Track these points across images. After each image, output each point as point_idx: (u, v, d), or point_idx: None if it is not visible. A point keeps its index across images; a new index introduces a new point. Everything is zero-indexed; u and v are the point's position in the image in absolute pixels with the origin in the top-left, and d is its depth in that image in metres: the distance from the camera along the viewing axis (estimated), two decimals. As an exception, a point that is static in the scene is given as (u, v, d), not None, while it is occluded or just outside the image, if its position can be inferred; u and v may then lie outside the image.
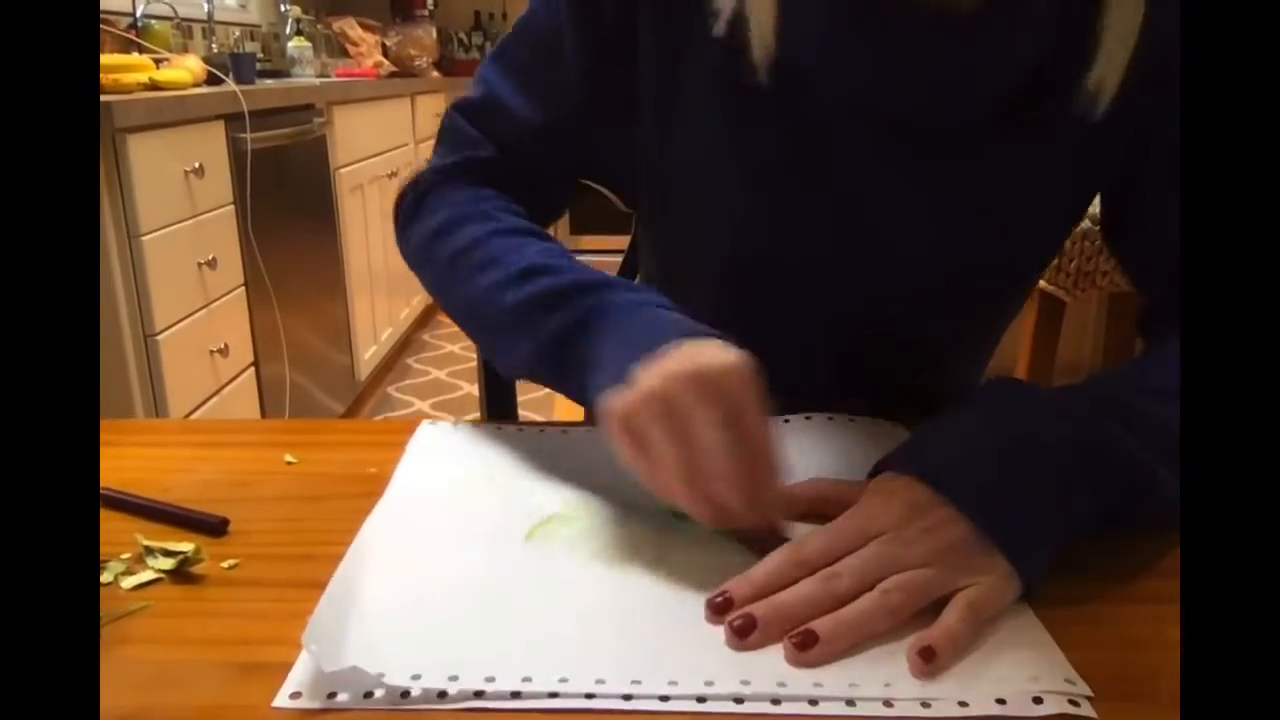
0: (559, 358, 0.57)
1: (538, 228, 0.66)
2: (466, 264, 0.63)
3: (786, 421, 0.65)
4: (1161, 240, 0.64)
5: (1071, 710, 0.39)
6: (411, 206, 0.71)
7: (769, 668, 0.41)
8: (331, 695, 0.40)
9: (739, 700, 0.39)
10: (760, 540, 0.49)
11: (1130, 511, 0.50)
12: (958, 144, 0.63)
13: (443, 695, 0.39)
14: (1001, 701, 0.39)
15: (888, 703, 0.39)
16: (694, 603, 0.46)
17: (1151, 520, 0.51)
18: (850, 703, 0.39)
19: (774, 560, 0.46)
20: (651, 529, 0.52)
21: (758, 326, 0.70)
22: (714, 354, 0.47)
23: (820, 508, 0.52)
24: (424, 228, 0.68)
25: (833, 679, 0.40)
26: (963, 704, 0.39)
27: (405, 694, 0.40)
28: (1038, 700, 0.39)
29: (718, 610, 0.44)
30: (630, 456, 0.48)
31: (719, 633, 0.43)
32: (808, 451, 0.60)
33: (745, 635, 0.42)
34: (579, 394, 0.56)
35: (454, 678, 0.40)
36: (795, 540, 0.48)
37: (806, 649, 0.41)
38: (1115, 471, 0.49)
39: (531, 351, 0.58)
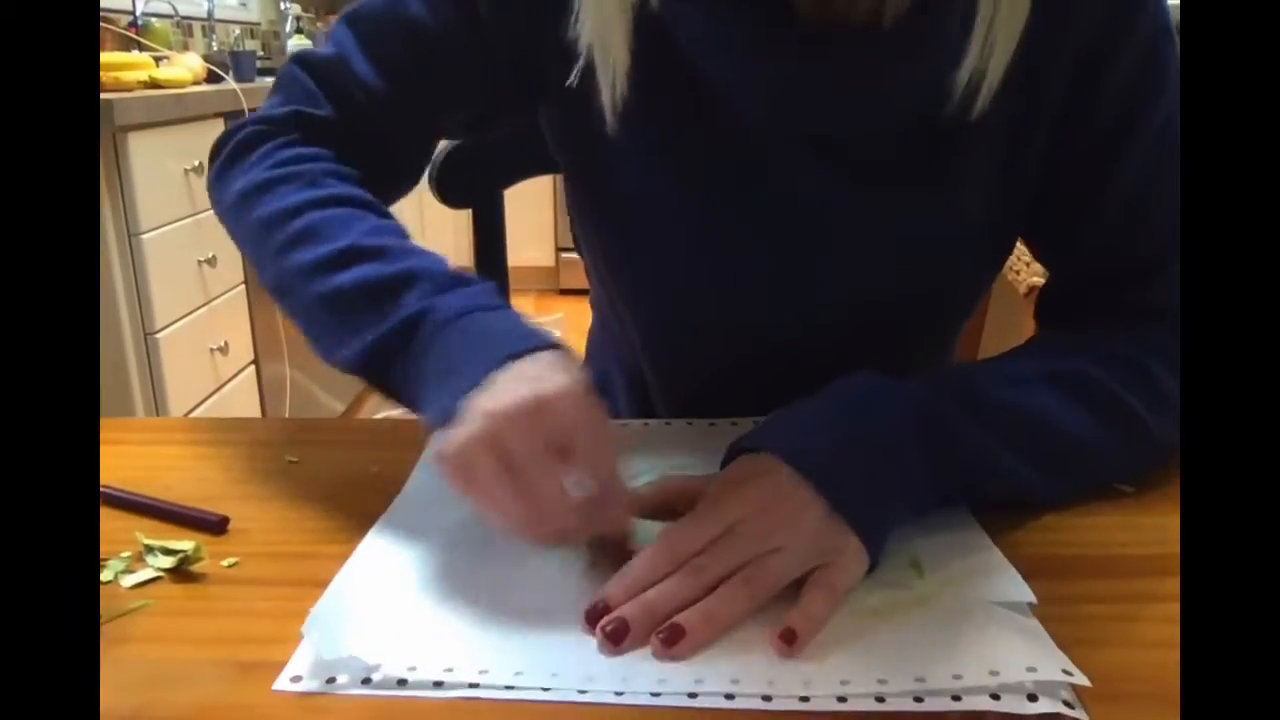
0: (378, 368, 0.53)
1: (369, 198, 0.60)
2: (282, 233, 0.57)
3: (712, 425, 0.66)
4: (1078, 231, 0.64)
5: (1066, 712, 0.38)
6: (231, 155, 0.65)
7: (760, 668, 0.41)
8: (330, 680, 0.40)
9: (730, 696, 0.39)
10: (608, 551, 0.49)
11: (970, 491, 0.53)
12: (881, 158, 0.62)
13: (439, 685, 0.40)
14: (995, 697, 0.39)
15: (879, 699, 0.39)
16: None
17: (999, 500, 0.53)
18: (841, 699, 0.39)
19: (647, 557, 0.46)
20: (651, 530, 0.52)
21: (694, 349, 0.70)
22: (542, 378, 0.46)
23: (670, 507, 0.52)
24: (242, 181, 0.62)
25: (823, 677, 0.40)
26: (956, 698, 0.39)
27: (402, 681, 0.40)
28: (1032, 698, 0.39)
29: (592, 619, 0.43)
30: (464, 491, 0.46)
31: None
32: None
33: (620, 641, 0.42)
34: (404, 406, 0.53)
35: (449, 669, 0.41)
36: (661, 533, 0.47)
37: (674, 644, 0.42)
38: (947, 451, 0.51)
39: (349, 357, 0.53)
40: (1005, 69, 0.54)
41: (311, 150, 0.63)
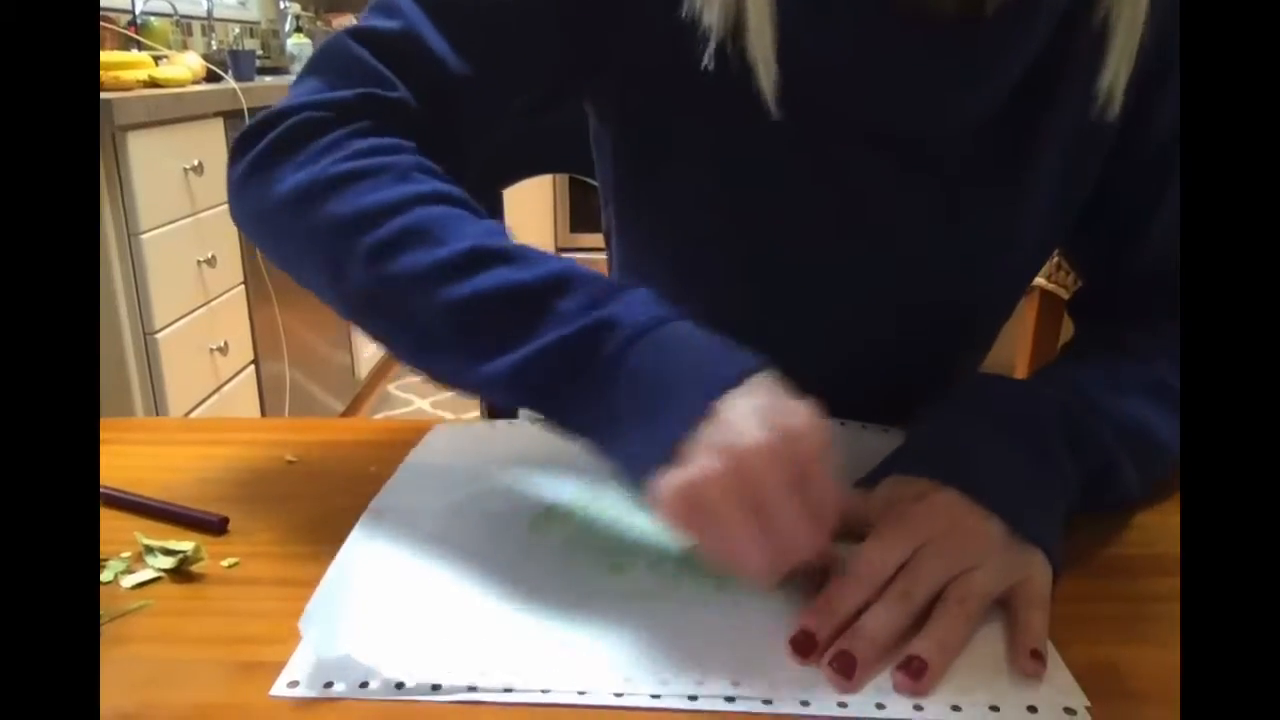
0: (541, 384, 0.46)
1: (466, 197, 0.53)
2: (380, 233, 0.49)
3: None
4: (1119, 235, 0.64)
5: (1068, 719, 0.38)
6: (277, 145, 0.54)
7: (761, 672, 0.41)
8: (328, 685, 0.40)
9: (730, 699, 0.39)
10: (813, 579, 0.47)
11: (1096, 499, 0.53)
12: (956, 156, 0.60)
13: (436, 688, 0.40)
14: (995, 709, 0.39)
15: (880, 705, 0.39)
16: (690, 601, 0.46)
17: (1109, 508, 0.54)
18: (842, 704, 0.39)
19: (842, 586, 0.44)
20: (654, 526, 0.52)
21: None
22: (779, 410, 0.42)
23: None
24: (302, 175, 0.52)
25: (824, 688, 0.40)
26: (956, 708, 0.39)
27: (400, 685, 0.40)
28: (1032, 709, 0.39)
29: (803, 650, 0.42)
30: (697, 536, 0.43)
31: (712, 631, 0.43)
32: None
33: (851, 674, 0.40)
34: (585, 439, 0.47)
35: (447, 672, 0.41)
36: (847, 559, 0.46)
37: (920, 677, 0.40)
38: (1091, 461, 0.52)
39: (501, 370, 0.46)
40: (1130, 71, 0.54)
41: (391, 141, 0.54)
